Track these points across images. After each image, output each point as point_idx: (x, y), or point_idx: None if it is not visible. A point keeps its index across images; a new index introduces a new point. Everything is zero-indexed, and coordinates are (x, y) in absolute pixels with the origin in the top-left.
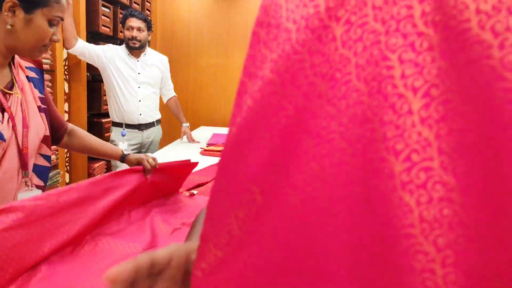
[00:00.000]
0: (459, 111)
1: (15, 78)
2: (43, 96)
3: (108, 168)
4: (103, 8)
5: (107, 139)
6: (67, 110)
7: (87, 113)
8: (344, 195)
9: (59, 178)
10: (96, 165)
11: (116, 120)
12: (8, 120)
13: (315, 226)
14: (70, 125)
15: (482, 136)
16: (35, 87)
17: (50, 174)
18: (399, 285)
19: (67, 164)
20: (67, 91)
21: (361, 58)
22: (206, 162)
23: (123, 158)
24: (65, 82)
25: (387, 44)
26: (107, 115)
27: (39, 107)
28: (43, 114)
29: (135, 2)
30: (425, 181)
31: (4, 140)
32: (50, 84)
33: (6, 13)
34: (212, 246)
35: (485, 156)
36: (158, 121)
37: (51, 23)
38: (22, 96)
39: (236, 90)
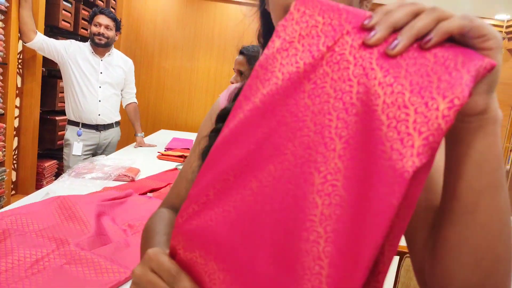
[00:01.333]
0: (360, 157)
1: None
2: None
3: (60, 167)
4: (64, 3)
5: (60, 138)
6: (18, 105)
7: (40, 110)
8: (283, 189)
9: (4, 176)
10: (47, 164)
11: (73, 118)
12: None
13: (261, 204)
14: None
15: (365, 172)
16: None
17: None
18: (299, 249)
19: (14, 162)
20: (19, 85)
21: (316, 108)
22: (162, 167)
23: None
24: (18, 76)
25: (333, 105)
26: (61, 112)
27: None
28: None
29: None
30: (330, 192)
31: None
32: (0, 78)
33: None
34: (193, 203)
35: (364, 184)
36: (117, 123)
37: None
38: None
39: (234, 105)
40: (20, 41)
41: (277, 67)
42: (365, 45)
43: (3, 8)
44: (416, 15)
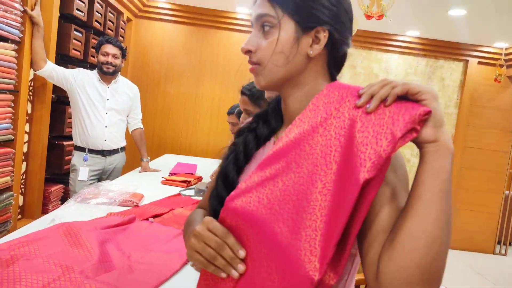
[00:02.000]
0: (343, 173)
1: None
2: None
3: (66, 191)
4: (75, 33)
5: (67, 163)
6: (27, 131)
7: (49, 135)
8: (298, 188)
9: (12, 200)
10: (53, 188)
11: (79, 144)
12: None
13: (283, 196)
14: None
15: (344, 181)
16: None
17: (3, 196)
18: (305, 224)
19: (22, 186)
20: (29, 111)
21: (323, 143)
22: (166, 192)
23: None
24: (28, 102)
25: (333, 142)
26: (69, 138)
27: None
28: None
29: (108, 28)
30: (326, 193)
31: None
32: (12, 105)
33: None
34: (240, 190)
35: (343, 188)
36: (122, 148)
37: None
38: None
39: (277, 140)
40: (31, 69)
41: (307, 119)
42: (356, 106)
43: (17, 38)
44: (384, 87)
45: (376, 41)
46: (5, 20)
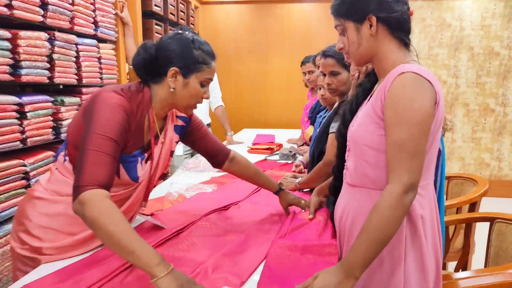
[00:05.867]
0: None
1: (165, 127)
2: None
3: None
4: (156, 27)
5: None
6: None
7: None
8: None
9: None
10: None
11: None
12: (149, 163)
13: None
14: (232, 152)
15: None
16: (177, 133)
17: None
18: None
19: None
20: None
21: None
22: (253, 159)
23: (278, 191)
24: None
25: None
26: None
27: (171, 152)
28: (170, 157)
29: (181, 18)
30: None
31: (137, 182)
32: None
33: (169, 79)
34: None
35: None
36: (208, 125)
37: (202, 85)
38: (164, 142)
39: None
40: (127, 64)
41: None
42: None
43: (113, 38)
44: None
45: None
46: (103, 24)
